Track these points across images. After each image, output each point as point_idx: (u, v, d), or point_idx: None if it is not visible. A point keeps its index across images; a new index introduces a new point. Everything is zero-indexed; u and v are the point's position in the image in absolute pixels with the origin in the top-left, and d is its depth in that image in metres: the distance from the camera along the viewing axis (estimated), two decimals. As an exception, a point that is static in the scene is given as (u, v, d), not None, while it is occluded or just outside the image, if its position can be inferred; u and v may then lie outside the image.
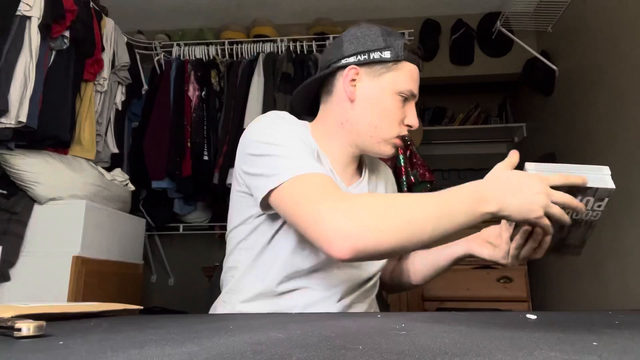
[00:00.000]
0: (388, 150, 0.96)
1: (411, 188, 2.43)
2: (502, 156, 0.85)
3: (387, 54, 0.93)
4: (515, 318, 0.54)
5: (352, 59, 0.95)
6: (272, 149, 0.83)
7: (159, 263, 3.21)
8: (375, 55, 0.94)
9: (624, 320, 0.48)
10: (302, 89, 1.02)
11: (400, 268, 1.12)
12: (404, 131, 0.96)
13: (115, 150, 2.50)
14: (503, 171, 0.79)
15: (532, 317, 0.54)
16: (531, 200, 0.73)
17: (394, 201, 0.75)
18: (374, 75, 0.94)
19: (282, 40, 2.81)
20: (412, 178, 2.44)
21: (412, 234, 0.71)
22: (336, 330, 0.40)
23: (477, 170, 3.11)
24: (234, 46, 2.87)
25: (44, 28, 1.90)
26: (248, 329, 0.43)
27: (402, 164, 2.45)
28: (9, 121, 1.78)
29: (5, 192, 1.94)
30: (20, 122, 1.80)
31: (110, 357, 0.27)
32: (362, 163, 1.07)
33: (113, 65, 2.46)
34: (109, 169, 2.36)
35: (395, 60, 0.94)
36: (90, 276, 1.94)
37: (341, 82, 0.95)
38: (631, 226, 1.98)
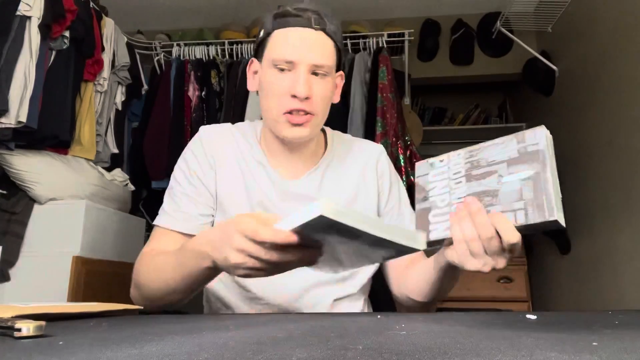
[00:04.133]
0: (282, 131, 0.88)
1: (411, 188, 2.43)
2: None
3: (261, 34, 0.92)
4: (515, 318, 0.54)
5: (253, 54, 0.98)
6: (170, 187, 0.98)
7: (159, 263, 3.20)
8: (258, 40, 0.94)
9: (624, 320, 0.48)
10: None
11: (400, 285, 0.98)
12: (289, 104, 0.85)
13: (115, 151, 2.50)
14: (224, 222, 0.68)
15: (532, 317, 0.54)
16: (223, 254, 0.63)
17: (155, 264, 0.85)
18: (260, 60, 0.93)
19: (282, 40, 2.80)
20: (412, 178, 2.44)
21: (165, 293, 0.81)
22: (336, 330, 0.40)
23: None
24: (234, 46, 2.87)
25: (44, 28, 1.90)
26: (248, 329, 0.43)
27: (402, 164, 2.45)
28: (9, 121, 1.78)
29: (5, 192, 1.94)
30: (20, 122, 1.80)
31: (110, 357, 0.27)
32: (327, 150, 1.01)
33: (113, 66, 2.46)
34: (109, 169, 2.36)
35: (267, 35, 0.91)
36: (90, 276, 1.94)
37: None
38: (630, 226, 1.98)
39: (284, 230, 0.55)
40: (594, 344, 0.29)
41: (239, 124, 1.05)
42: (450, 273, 0.77)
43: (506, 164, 0.64)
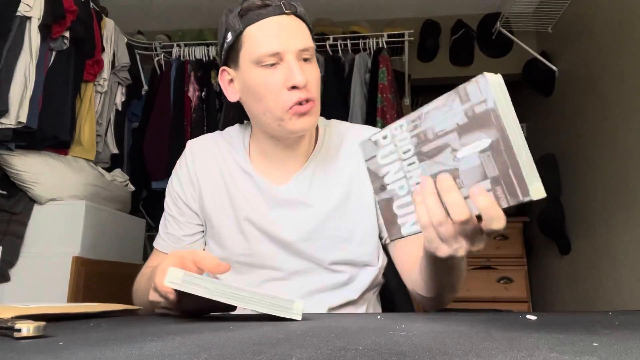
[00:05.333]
0: (293, 126, 0.83)
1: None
2: None
3: (229, 37, 0.85)
4: (515, 319, 0.54)
5: (223, 62, 0.91)
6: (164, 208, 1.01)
7: (159, 263, 3.20)
8: (226, 46, 0.87)
9: (624, 321, 0.48)
10: None
11: (409, 280, 0.90)
12: (291, 97, 0.81)
13: (115, 151, 2.50)
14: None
15: (532, 317, 0.54)
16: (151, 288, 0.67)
17: (139, 281, 0.92)
18: (236, 65, 0.87)
19: (282, 41, 2.81)
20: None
21: (147, 308, 0.80)
22: (336, 330, 0.40)
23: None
24: (234, 47, 2.87)
25: (44, 28, 1.90)
26: (248, 329, 0.43)
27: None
28: (9, 122, 1.78)
29: (5, 192, 1.94)
30: (20, 123, 1.80)
31: (110, 358, 0.27)
32: (314, 149, 0.95)
33: (113, 66, 2.47)
34: (109, 170, 2.36)
35: (237, 36, 0.84)
36: (90, 277, 1.94)
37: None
38: (630, 227, 1.98)
39: (165, 285, 0.58)
40: (594, 344, 0.29)
41: (228, 129, 1.02)
42: (440, 263, 0.63)
43: (456, 134, 0.50)
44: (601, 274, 2.23)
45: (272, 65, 0.82)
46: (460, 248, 0.55)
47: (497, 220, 0.50)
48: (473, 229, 0.53)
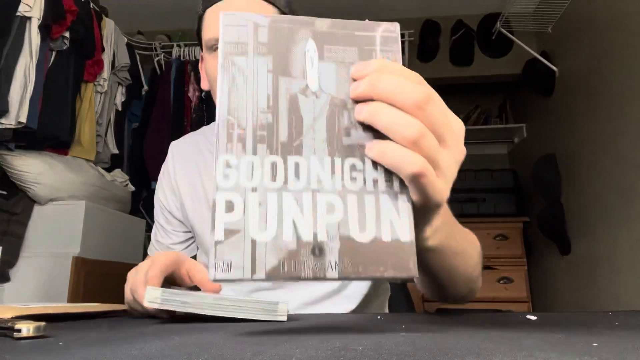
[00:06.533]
0: None
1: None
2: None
3: (197, 22, 0.83)
4: (515, 319, 0.54)
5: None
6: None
7: (159, 264, 3.20)
8: (196, 30, 0.84)
9: (625, 321, 0.48)
10: None
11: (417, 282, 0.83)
12: None
13: (115, 151, 2.50)
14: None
15: (533, 318, 0.54)
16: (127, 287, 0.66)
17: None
18: (202, 50, 0.83)
19: (282, 41, 2.81)
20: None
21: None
22: (336, 330, 0.40)
23: (477, 170, 3.11)
24: (234, 47, 2.87)
25: (44, 29, 1.90)
26: (248, 329, 0.43)
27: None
28: (9, 122, 1.78)
29: (5, 192, 1.94)
30: (20, 123, 1.81)
31: (110, 358, 0.27)
32: None
33: (113, 66, 2.47)
34: (109, 170, 2.36)
35: (199, 20, 0.81)
36: (90, 277, 1.94)
37: None
38: (630, 227, 1.98)
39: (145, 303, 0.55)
40: (594, 344, 0.29)
41: (212, 124, 0.98)
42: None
43: None
44: (601, 274, 2.23)
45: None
46: (448, 167, 0.36)
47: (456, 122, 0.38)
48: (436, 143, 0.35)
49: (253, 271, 0.32)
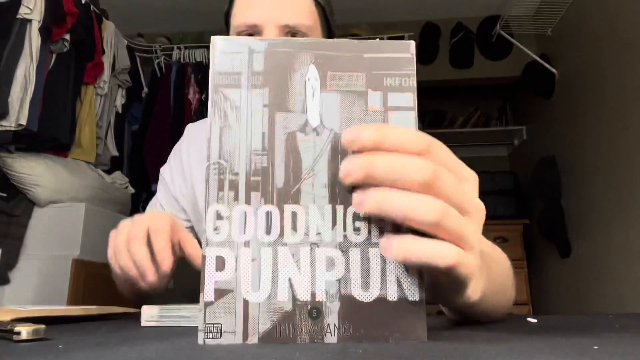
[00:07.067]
0: None
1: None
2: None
3: (226, 7, 0.82)
4: (515, 322, 0.54)
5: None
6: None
7: (159, 266, 3.20)
8: (225, 12, 0.84)
9: (625, 324, 0.48)
10: None
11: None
12: None
13: (116, 153, 2.50)
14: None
15: (533, 320, 0.53)
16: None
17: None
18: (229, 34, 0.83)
19: (282, 44, 2.82)
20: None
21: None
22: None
23: (477, 172, 3.11)
24: (234, 49, 2.88)
25: (45, 31, 1.90)
26: (248, 333, 0.43)
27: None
28: (9, 124, 1.78)
29: (5, 194, 1.94)
30: (20, 125, 1.81)
31: (110, 361, 0.27)
32: None
33: (113, 69, 2.47)
34: (109, 172, 2.36)
35: (230, 4, 0.80)
36: (90, 279, 1.94)
37: None
38: (630, 230, 1.98)
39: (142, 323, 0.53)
40: (595, 347, 0.29)
41: None
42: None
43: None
44: (602, 277, 2.23)
45: (250, 35, 0.73)
46: (474, 236, 0.32)
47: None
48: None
49: (245, 336, 0.30)
